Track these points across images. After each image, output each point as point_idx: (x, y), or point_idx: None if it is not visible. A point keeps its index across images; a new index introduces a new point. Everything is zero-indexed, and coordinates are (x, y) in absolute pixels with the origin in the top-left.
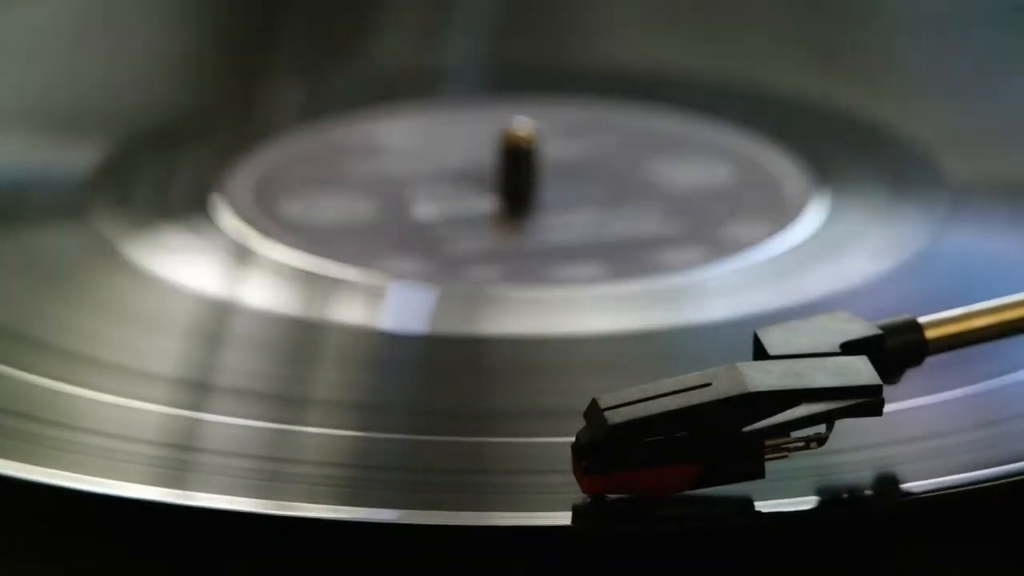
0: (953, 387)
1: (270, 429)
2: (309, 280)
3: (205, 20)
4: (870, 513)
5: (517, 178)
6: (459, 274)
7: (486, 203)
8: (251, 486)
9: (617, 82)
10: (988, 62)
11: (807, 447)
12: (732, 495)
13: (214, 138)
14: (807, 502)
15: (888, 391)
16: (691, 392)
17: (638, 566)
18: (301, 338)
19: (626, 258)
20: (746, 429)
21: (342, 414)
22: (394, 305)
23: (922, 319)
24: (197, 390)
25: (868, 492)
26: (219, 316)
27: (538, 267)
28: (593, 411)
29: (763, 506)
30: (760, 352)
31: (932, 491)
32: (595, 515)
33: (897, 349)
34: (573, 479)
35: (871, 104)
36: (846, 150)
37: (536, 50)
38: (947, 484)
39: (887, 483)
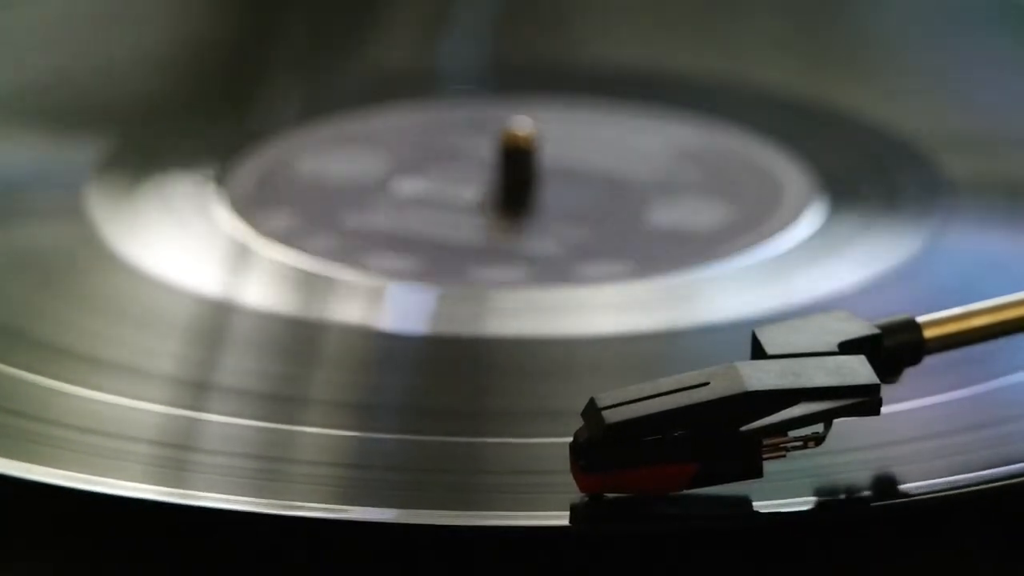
0: (952, 387)
1: (268, 428)
2: (308, 279)
3: (204, 18)
4: (868, 513)
5: (516, 178)
6: (457, 274)
7: (485, 203)
8: (250, 485)
9: (617, 82)
10: (988, 62)
11: (805, 446)
12: (730, 494)
13: (214, 136)
14: (805, 502)
15: (886, 390)
16: (689, 391)
17: (636, 566)
18: (300, 337)
19: (625, 258)
20: (744, 428)
21: (340, 414)
22: (392, 305)
23: (920, 318)
24: (195, 389)
25: (866, 492)
26: (218, 315)
27: (537, 267)
28: (591, 410)
29: (761, 506)
30: (758, 351)
31: (930, 491)
32: (593, 514)
33: (895, 348)
34: (571, 478)
35: (870, 104)
36: (845, 150)
37: (536, 50)
38: (945, 484)
39: (885, 483)
